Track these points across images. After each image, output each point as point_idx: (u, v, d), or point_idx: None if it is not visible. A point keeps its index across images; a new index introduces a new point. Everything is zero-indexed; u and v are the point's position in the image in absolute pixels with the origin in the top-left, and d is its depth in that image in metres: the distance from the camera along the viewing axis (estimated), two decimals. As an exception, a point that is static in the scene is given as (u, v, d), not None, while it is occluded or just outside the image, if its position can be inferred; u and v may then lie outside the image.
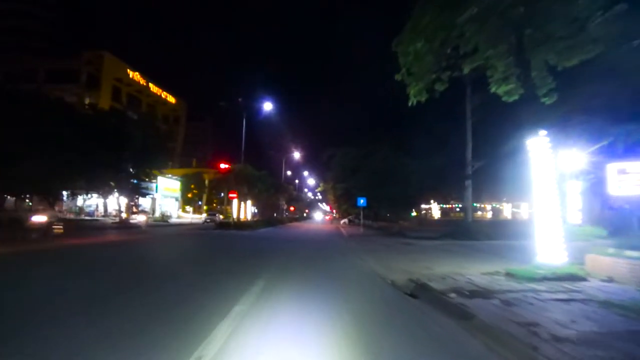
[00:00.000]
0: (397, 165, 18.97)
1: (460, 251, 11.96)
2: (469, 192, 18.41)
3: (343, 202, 28.34)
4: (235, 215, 45.06)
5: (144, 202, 39.50)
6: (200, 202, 55.24)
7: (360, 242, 15.97)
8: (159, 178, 38.63)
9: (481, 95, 18.43)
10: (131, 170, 22.27)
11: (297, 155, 41.19)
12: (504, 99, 8.32)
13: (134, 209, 25.48)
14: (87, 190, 22.48)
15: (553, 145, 6.80)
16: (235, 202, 51.63)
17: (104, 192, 25.49)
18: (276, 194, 36.52)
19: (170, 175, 41.97)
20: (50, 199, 20.09)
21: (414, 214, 39.93)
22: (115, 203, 29.30)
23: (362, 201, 20.67)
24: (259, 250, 12.35)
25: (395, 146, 21.00)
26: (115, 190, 22.89)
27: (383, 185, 19.24)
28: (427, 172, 19.20)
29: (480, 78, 19.74)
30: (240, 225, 23.49)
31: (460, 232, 17.78)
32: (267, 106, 25.15)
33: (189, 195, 50.31)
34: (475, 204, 52.67)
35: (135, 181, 24.76)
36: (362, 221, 21.62)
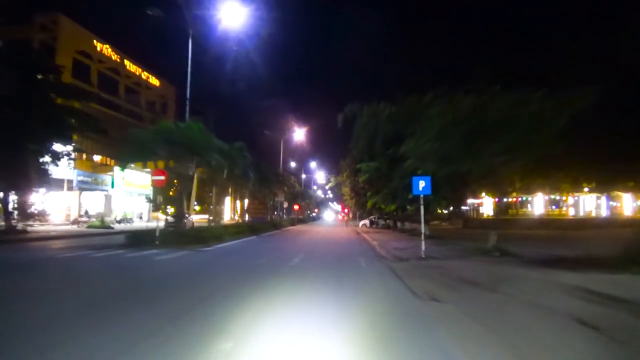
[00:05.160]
0: (507, 108, 8.75)
1: None
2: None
3: (373, 193, 17.45)
4: (224, 218, 35.13)
5: (97, 200, 30.11)
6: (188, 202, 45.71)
7: (487, 314, 5.66)
8: (116, 169, 29.13)
9: None
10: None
11: (300, 135, 31.08)
12: None
13: (39, 209, 16.04)
14: None
15: None
16: (228, 200, 41.81)
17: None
18: (267, 186, 26.02)
19: (135, 167, 32.00)
20: None
21: (442, 210, 27.74)
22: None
23: (422, 184, 10.35)
24: None
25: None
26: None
27: (474, 151, 9.08)
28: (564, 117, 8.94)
29: None
30: (182, 236, 12.40)
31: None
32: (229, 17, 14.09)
33: (170, 193, 40.57)
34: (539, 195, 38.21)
35: (44, 165, 15.30)
36: (423, 226, 11.00)
